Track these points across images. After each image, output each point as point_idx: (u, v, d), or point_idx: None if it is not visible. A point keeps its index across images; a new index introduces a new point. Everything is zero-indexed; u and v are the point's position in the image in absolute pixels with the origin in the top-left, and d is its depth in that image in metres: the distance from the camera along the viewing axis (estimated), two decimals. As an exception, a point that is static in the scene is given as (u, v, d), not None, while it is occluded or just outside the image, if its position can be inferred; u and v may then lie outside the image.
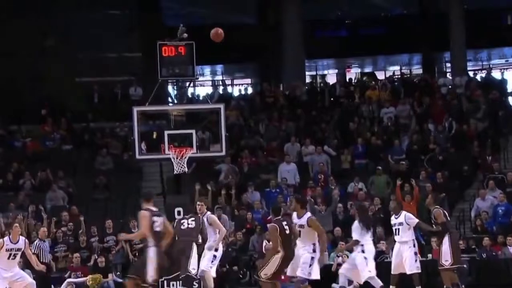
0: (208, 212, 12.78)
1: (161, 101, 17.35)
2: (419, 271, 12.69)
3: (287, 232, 10.75)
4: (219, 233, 12.57)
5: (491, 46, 27.97)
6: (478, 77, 24.74)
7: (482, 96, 21.97)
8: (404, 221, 12.57)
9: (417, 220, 12.80)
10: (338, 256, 15.44)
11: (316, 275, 11.06)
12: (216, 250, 12.59)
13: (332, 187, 18.83)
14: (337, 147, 20.74)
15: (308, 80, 27.02)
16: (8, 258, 11.48)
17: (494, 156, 19.88)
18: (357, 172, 19.73)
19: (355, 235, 12.14)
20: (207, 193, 15.86)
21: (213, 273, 12.66)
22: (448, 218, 12.89)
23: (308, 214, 11.16)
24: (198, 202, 12.84)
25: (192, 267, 12.56)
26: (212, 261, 12.53)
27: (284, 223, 10.79)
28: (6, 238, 11.70)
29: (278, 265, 10.65)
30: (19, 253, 11.62)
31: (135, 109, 15.13)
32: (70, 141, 21.14)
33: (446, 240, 12.30)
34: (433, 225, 12.56)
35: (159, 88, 15.60)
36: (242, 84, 26.95)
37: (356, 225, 12.14)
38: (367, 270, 11.83)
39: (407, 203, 16.37)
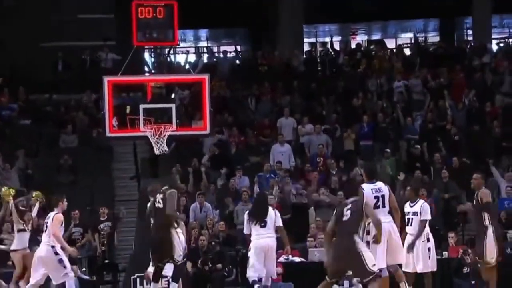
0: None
1: (136, 70, 17.23)
2: (434, 269, 12.64)
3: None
4: None
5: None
6: (504, 46, 24.75)
7: (508, 68, 21.96)
8: (420, 211, 12.49)
9: (429, 217, 12.62)
10: None
11: None
12: None
13: (333, 172, 18.82)
14: (339, 126, 20.71)
15: (306, 48, 26.92)
16: None
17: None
18: (362, 155, 19.70)
19: None
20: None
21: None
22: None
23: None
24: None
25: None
26: None
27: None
28: None
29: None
30: None
31: (106, 79, 15.02)
32: (29, 114, 21.01)
33: (490, 232, 12.05)
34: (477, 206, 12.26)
35: (134, 55, 15.47)
36: (230, 52, 26.77)
37: None
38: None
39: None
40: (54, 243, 12.56)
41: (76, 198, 17.74)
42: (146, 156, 15.93)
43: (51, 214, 12.72)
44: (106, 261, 16.06)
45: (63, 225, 12.81)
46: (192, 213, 17.15)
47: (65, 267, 12.55)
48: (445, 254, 15.90)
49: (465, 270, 15.48)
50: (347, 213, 10.46)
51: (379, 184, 11.02)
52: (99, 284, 15.84)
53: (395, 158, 19.42)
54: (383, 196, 10.89)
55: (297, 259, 16.04)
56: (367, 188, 10.91)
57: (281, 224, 12.84)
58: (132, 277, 14.21)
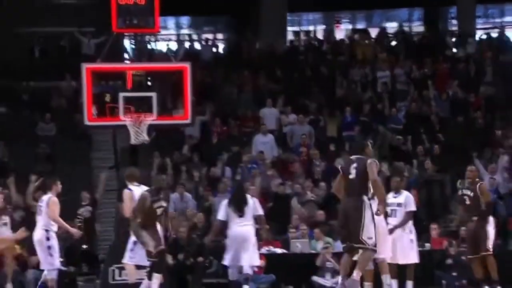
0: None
1: (116, 57, 17.12)
2: (416, 261, 12.70)
3: None
4: None
5: (504, 0, 27.97)
6: (488, 37, 24.81)
7: (491, 59, 22.04)
8: (404, 203, 12.50)
9: (414, 208, 12.61)
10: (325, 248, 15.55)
11: None
12: None
13: (317, 162, 18.82)
14: (322, 116, 20.70)
15: (290, 37, 26.87)
16: None
17: (505, 130, 20.00)
18: (345, 146, 19.69)
19: None
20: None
21: (140, 261, 12.46)
22: None
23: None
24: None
25: None
26: (132, 250, 12.38)
27: None
28: None
29: None
30: None
31: (85, 66, 14.91)
32: (5, 102, 20.84)
33: (492, 221, 12.51)
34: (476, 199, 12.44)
35: (114, 42, 15.36)
36: (212, 40, 26.67)
37: None
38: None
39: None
40: (49, 227, 12.50)
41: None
42: (126, 145, 15.82)
43: (45, 197, 12.66)
44: (84, 246, 15.92)
45: (59, 206, 12.70)
46: (172, 204, 17.10)
47: (51, 255, 12.51)
48: (428, 245, 15.98)
49: (449, 261, 15.58)
50: (352, 171, 10.18)
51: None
52: (76, 275, 15.77)
53: (377, 148, 19.43)
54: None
55: (279, 251, 16.06)
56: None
57: (261, 213, 12.86)
58: (110, 268, 14.15)
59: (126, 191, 12.59)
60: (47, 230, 12.55)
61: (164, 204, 12.20)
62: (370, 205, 10.22)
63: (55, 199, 12.65)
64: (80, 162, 19.25)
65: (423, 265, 14.42)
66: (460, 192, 12.68)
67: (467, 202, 12.52)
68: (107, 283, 14.17)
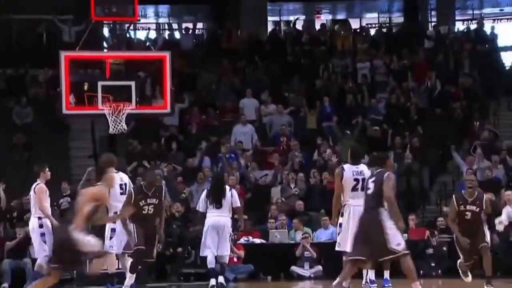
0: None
1: (95, 46, 17.01)
2: None
3: None
4: None
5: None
6: (467, 28, 24.93)
7: (469, 50, 22.15)
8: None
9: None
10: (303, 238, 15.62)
11: None
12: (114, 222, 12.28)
13: (296, 153, 18.86)
14: (302, 106, 20.72)
15: (270, 26, 26.84)
16: None
17: (483, 121, 20.14)
18: (324, 136, 19.76)
19: None
20: None
21: (119, 249, 12.40)
22: None
23: None
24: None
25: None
26: (111, 238, 12.28)
27: None
28: None
29: None
30: None
31: (63, 54, 14.83)
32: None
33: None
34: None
35: (92, 30, 15.28)
36: (191, 29, 26.57)
37: None
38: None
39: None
40: (41, 215, 12.44)
41: (31, 176, 17.50)
42: (105, 135, 15.76)
43: (34, 185, 12.58)
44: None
45: (47, 194, 12.56)
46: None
47: (44, 242, 12.44)
48: (405, 236, 16.07)
49: (429, 251, 15.71)
50: (371, 185, 10.06)
51: (362, 167, 10.93)
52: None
53: (356, 140, 19.50)
54: (363, 180, 10.70)
55: (258, 241, 16.10)
56: (348, 169, 10.87)
57: (238, 204, 12.90)
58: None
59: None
60: (39, 218, 12.47)
61: (153, 201, 11.95)
62: (388, 215, 10.05)
63: (42, 186, 12.50)
64: (58, 151, 19.13)
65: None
66: (459, 208, 11.76)
67: (468, 217, 11.69)
68: (84, 272, 14.12)
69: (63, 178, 17.02)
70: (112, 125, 14.42)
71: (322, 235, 16.33)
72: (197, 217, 13.66)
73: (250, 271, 15.32)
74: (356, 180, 10.79)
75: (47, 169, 12.68)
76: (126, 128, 14.61)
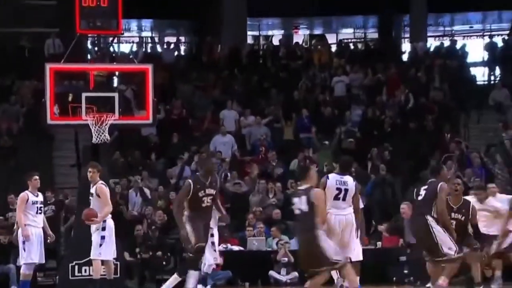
0: (100, 181, 12.38)
1: (79, 58, 16.90)
2: (360, 258, 12.50)
3: None
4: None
5: (455, 10, 28.32)
6: (439, 44, 25.10)
7: (440, 66, 22.27)
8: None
9: (362, 206, 11.37)
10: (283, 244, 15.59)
11: None
12: (104, 229, 12.11)
13: (273, 163, 18.82)
14: (280, 118, 20.71)
15: (250, 41, 26.88)
16: None
17: (453, 134, 20.20)
18: (302, 147, 19.73)
19: None
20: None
21: (107, 256, 12.22)
22: None
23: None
24: (89, 169, 12.34)
25: None
26: (101, 245, 12.11)
27: None
28: None
29: None
30: None
31: (48, 66, 14.73)
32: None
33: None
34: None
35: (77, 43, 15.18)
36: (173, 43, 26.56)
37: None
38: None
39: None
40: (26, 222, 12.30)
41: (13, 184, 17.36)
42: (88, 144, 15.65)
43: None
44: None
45: (29, 202, 12.37)
46: (130, 201, 17.06)
47: (24, 250, 12.29)
48: (379, 244, 16.08)
49: (402, 258, 15.69)
50: (422, 193, 10.30)
51: (347, 178, 10.56)
52: (37, 271, 15.53)
53: (332, 151, 19.51)
54: (346, 190, 10.46)
55: (236, 248, 16.03)
56: (332, 178, 10.59)
57: (224, 213, 12.75)
58: (70, 264, 13.99)
59: (103, 186, 12.30)
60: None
61: (212, 191, 10.60)
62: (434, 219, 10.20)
63: (23, 195, 12.38)
64: (42, 160, 18.95)
65: (374, 263, 14.54)
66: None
67: (452, 226, 10.77)
68: (67, 278, 14.00)
69: (46, 185, 16.84)
70: (96, 135, 14.31)
71: (298, 243, 16.29)
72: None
73: (228, 277, 15.24)
74: (339, 189, 10.48)
75: (34, 177, 12.52)
76: (109, 138, 14.51)
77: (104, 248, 12.13)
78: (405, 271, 15.48)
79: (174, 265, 15.35)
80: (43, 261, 12.82)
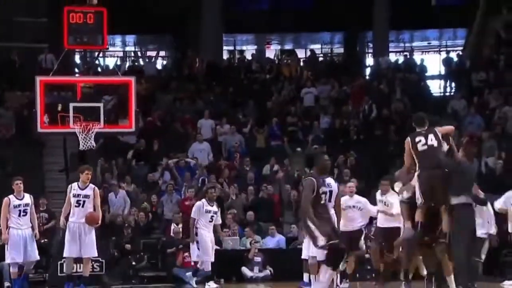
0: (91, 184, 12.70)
1: (68, 71, 17.06)
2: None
3: None
4: (94, 210, 12.54)
5: (414, 27, 28.77)
6: (400, 59, 25.49)
7: (400, 79, 22.63)
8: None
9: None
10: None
11: None
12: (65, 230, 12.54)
13: (247, 168, 19.07)
14: (253, 127, 20.96)
15: (225, 55, 27.12)
16: None
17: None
18: (273, 154, 19.98)
19: None
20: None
21: (72, 254, 12.53)
22: None
23: None
24: (86, 171, 12.59)
25: None
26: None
27: None
28: None
29: None
30: None
31: (38, 79, 14.89)
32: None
33: None
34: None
35: (65, 57, 15.34)
36: (155, 57, 26.75)
37: None
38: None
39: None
40: (10, 224, 12.47)
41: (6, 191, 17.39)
42: (75, 151, 15.80)
43: None
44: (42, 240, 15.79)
45: (11, 206, 12.55)
46: (110, 203, 17.20)
47: (7, 249, 12.43)
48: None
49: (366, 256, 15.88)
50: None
51: (329, 180, 9.99)
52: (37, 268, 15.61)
53: (304, 158, 19.75)
54: (330, 192, 9.89)
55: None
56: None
57: (192, 215, 13.39)
58: (59, 262, 14.11)
59: (97, 188, 12.65)
60: (7, 228, 12.50)
61: (326, 189, 9.83)
62: None
63: (6, 199, 12.55)
64: (33, 166, 19.02)
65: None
66: None
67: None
68: (56, 275, 14.12)
69: (37, 190, 16.95)
70: (82, 142, 14.49)
71: (269, 242, 16.64)
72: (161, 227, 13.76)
73: (206, 275, 15.42)
74: (324, 192, 9.87)
75: (15, 182, 12.67)
76: (94, 145, 14.69)
77: (67, 246, 12.47)
78: (368, 267, 15.68)
79: (146, 263, 15.55)
80: (34, 259, 12.94)
